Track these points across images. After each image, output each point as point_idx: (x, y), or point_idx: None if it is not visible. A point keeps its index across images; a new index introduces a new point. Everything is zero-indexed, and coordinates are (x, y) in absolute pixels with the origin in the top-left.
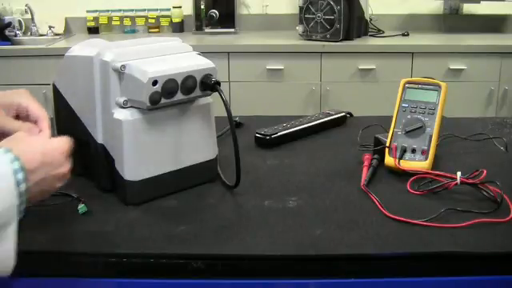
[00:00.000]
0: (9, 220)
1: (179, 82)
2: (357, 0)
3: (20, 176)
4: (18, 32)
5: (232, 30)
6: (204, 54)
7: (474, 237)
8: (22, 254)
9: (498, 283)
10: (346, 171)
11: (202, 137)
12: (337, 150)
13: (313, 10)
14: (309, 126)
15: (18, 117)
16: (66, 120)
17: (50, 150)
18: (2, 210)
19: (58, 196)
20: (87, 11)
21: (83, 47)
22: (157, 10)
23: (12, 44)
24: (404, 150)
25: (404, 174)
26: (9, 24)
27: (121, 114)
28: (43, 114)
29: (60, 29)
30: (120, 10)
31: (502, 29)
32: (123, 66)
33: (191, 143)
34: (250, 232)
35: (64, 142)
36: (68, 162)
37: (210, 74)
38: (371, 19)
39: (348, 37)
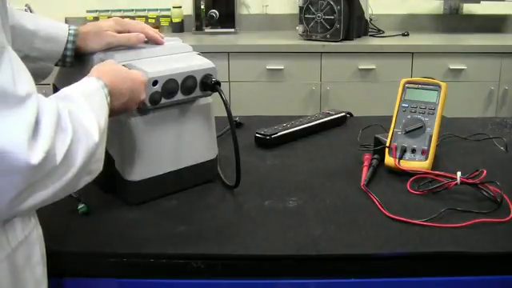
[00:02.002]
0: (106, 125)
1: (179, 82)
2: (357, 0)
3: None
4: None
5: (232, 30)
6: (204, 53)
7: (474, 237)
8: None
9: (498, 283)
10: (346, 171)
11: (202, 137)
12: (337, 150)
13: (313, 9)
14: (309, 126)
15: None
16: None
17: (135, 78)
18: (106, 116)
19: None
20: (87, 11)
21: None
22: (157, 9)
23: None
24: (404, 150)
25: (404, 174)
26: None
27: (121, 115)
28: (141, 27)
29: None
30: (120, 10)
31: (502, 29)
32: (124, 66)
33: (191, 143)
34: (250, 232)
35: (142, 73)
36: (144, 91)
37: (210, 74)
38: (371, 19)
39: (348, 37)
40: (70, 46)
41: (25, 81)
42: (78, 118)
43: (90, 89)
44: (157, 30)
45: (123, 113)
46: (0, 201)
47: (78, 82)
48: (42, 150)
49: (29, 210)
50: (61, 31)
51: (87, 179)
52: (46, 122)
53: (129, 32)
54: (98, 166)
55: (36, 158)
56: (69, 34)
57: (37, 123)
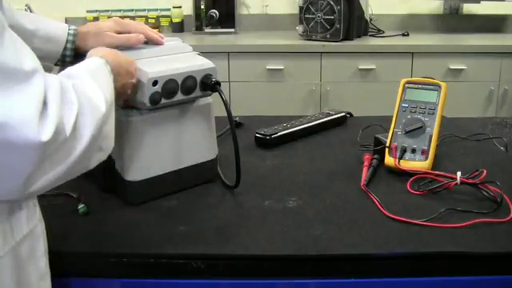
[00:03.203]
0: (113, 99)
1: (179, 82)
2: (357, 0)
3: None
4: None
5: (232, 30)
6: (204, 54)
7: (474, 237)
8: None
9: (498, 283)
10: (346, 171)
11: (202, 137)
12: (337, 150)
13: (313, 9)
14: (309, 126)
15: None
16: None
17: (131, 62)
18: (111, 90)
19: (58, 196)
20: (87, 11)
21: None
22: (157, 9)
23: None
24: (404, 150)
25: (404, 174)
26: None
27: (121, 115)
28: (141, 27)
29: None
30: (120, 10)
31: (502, 29)
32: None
33: (191, 143)
34: (250, 232)
35: (133, 60)
36: (135, 76)
37: (210, 74)
38: (371, 19)
39: (348, 37)
40: (69, 45)
41: (29, 57)
42: (83, 91)
43: (93, 65)
44: (156, 31)
45: (121, 95)
46: (14, 180)
47: (81, 62)
48: (52, 125)
49: (43, 188)
50: (60, 31)
51: (99, 156)
52: (51, 97)
53: (129, 33)
54: (109, 144)
55: (47, 133)
56: (68, 33)
57: (44, 98)
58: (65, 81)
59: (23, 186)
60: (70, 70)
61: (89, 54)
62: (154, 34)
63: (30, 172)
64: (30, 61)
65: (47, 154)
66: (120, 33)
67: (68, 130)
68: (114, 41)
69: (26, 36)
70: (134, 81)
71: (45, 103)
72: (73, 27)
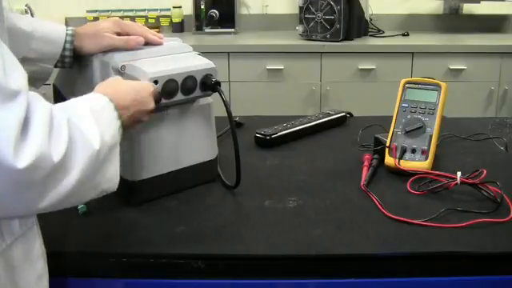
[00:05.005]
0: (116, 142)
1: (179, 82)
2: (357, 0)
3: (116, 113)
4: None
5: (232, 29)
6: (204, 53)
7: (474, 237)
8: None
9: (498, 283)
10: (346, 171)
11: (202, 137)
12: (337, 150)
13: (313, 9)
14: (309, 126)
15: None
16: None
17: (140, 89)
18: (114, 133)
19: None
20: (87, 11)
21: None
22: (157, 9)
23: None
24: (404, 150)
25: (404, 174)
26: None
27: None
28: (141, 30)
29: None
30: (120, 10)
31: (502, 29)
32: (123, 67)
33: (191, 143)
34: (250, 232)
35: (151, 84)
36: (153, 101)
37: (210, 74)
38: (371, 19)
39: (348, 37)
40: (68, 46)
41: (17, 76)
42: (78, 127)
43: (96, 103)
44: (155, 32)
45: (134, 126)
46: None
47: (86, 96)
48: (31, 151)
49: (30, 214)
50: (57, 32)
51: (93, 195)
52: (37, 121)
53: (128, 34)
54: (111, 187)
55: (24, 160)
56: (66, 34)
57: (26, 121)
58: (58, 112)
59: (1, 207)
60: (73, 102)
61: (96, 88)
62: (153, 35)
63: (3, 195)
64: (17, 80)
65: (29, 181)
66: (119, 34)
67: (56, 158)
68: (111, 42)
69: (24, 38)
70: (149, 107)
71: (28, 127)
72: (71, 28)
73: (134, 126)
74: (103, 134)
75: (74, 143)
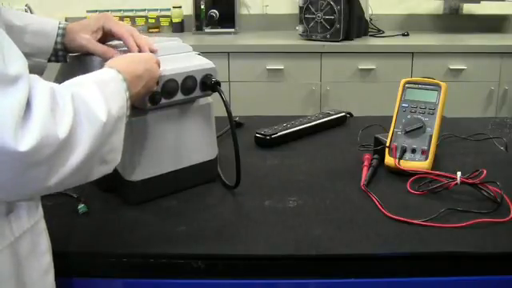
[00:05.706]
0: (123, 113)
1: (179, 82)
2: (357, 0)
3: (125, 85)
4: None
5: (232, 29)
6: (204, 54)
7: (474, 237)
8: None
9: (498, 283)
10: (346, 171)
11: (202, 137)
12: (337, 150)
13: (313, 9)
14: (309, 126)
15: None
16: None
17: (148, 59)
18: (121, 104)
19: (58, 196)
20: (87, 11)
21: None
22: (157, 9)
23: None
24: (404, 150)
25: (404, 174)
26: None
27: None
28: (126, 34)
29: None
30: (120, 10)
31: (502, 29)
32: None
33: (191, 143)
34: (250, 232)
35: (152, 54)
36: (158, 69)
37: (210, 74)
38: (371, 19)
39: (348, 37)
40: (59, 39)
41: (16, 61)
42: (83, 100)
43: (103, 77)
44: (145, 36)
45: (147, 94)
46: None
47: (95, 71)
48: (34, 132)
49: (37, 194)
50: (49, 26)
51: (102, 169)
52: (38, 103)
53: (110, 32)
54: (115, 157)
55: (27, 142)
56: (59, 27)
57: (28, 105)
58: (61, 89)
59: (11, 188)
60: (79, 78)
61: (107, 63)
62: (133, 42)
63: (10, 178)
64: (17, 64)
65: (34, 161)
66: (105, 32)
67: (62, 135)
68: (90, 47)
69: (16, 32)
70: (157, 74)
71: (30, 110)
72: (64, 22)
73: (146, 95)
74: (110, 107)
75: (79, 117)
